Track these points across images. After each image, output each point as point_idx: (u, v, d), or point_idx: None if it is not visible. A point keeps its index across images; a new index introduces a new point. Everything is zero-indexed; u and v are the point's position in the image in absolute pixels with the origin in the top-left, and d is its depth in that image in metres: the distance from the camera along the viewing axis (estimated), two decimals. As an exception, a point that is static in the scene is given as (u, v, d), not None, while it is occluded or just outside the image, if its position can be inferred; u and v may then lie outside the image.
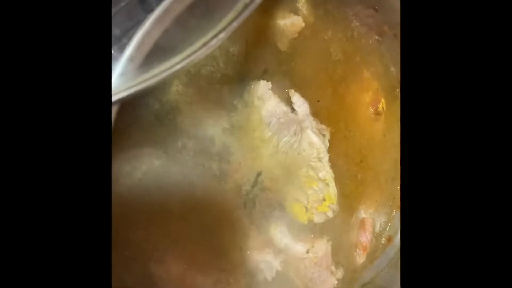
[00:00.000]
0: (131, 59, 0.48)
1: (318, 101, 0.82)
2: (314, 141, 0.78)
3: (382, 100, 0.90)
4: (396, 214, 0.95)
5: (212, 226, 0.70)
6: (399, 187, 0.95)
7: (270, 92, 0.72)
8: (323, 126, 0.79)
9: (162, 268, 0.63)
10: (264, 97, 0.72)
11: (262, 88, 0.71)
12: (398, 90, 0.93)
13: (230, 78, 0.71)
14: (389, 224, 0.95)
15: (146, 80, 0.47)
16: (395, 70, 0.91)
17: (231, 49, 0.71)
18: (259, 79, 0.72)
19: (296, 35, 0.79)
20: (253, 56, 0.72)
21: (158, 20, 0.48)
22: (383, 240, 0.94)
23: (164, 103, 0.65)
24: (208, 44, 0.49)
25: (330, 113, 0.83)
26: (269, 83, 0.72)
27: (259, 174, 0.76)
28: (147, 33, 0.48)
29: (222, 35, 0.50)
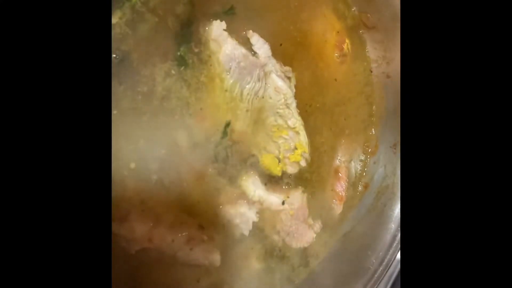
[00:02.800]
0: None
1: (281, 44, 0.77)
2: (279, 86, 0.74)
3: (347, 41, 0.86)
4: (371, 160, 0.93)
5: (180, 181, 0.65)
6: (371, 133, 0.93)
7: (226, 33, 0.67)
8: (288, 68, 0.74)
9: (125, 227, 0.57)
10: (220, 40, 0.66)
11: (216, 28, 0.66)
12: (362, 31, 0.90)
13: (179, 18, 0.65)
14: (365, 170, 0.92)
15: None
16: (356, 9, 0.87)
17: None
18: (212, 19, 0.66)
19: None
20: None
21: None
22: (360, 188, 0.92)
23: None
24: None
25: (293, 56, 0.79)
26: (223, 23, 0.66)
27: (227, 124, 0.71)
28: None
29: None
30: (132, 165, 0.62)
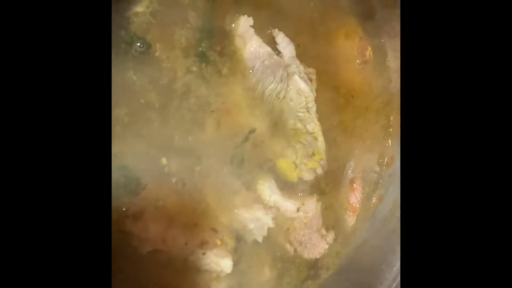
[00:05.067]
0: None
1: (299, 45, 0.74)
2: (302, 89, 0.71)
3: (369, 48, 0.84)
4: (386, 173, 0.90)
5: (196, 181, 0.62)
6: (388, 144, 0.90)
7: (252, 30, 0.64)
8: (312, 70, 0.72)
9: (140, 226, 0.54)
10: (246, 36, 0.64)
11: (243, 24, 0.63)
12: (383, 40, 0.88)
13: (200, 11, 0.62)
14: (380, 182, 0.90)
15: None
16: (380, 17, 0.86)
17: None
18: (238, 14, 0.64)
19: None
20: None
21: None
22: (374, 200, 0.89)
23: (133, 36, 0.56)
24: None
25: (313, 61, 0.76)
26: (251, 18, 0.64)
27: (252, 131, 0.68)
28: None
29: None
30: (147, 161, 0.58)
